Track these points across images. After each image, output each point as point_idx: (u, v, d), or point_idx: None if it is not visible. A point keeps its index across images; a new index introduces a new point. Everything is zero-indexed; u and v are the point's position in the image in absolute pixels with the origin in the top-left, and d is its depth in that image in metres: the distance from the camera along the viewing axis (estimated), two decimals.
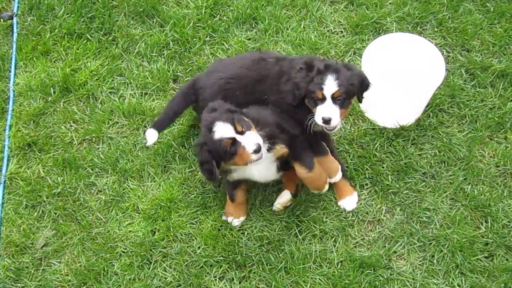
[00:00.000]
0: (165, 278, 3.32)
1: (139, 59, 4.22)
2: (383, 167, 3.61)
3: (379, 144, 3.70)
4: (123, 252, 3.44)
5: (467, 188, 3.55)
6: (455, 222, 3.42)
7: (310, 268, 3.30)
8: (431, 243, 3.37)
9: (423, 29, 4.23)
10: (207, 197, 3.61)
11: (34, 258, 3.48)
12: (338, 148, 3.70)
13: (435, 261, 3.32)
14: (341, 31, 4.27)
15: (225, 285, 3.30)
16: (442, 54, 3.72)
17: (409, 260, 3.34)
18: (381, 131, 3.75)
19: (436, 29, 4.22)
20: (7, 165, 3.82)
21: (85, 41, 4.32)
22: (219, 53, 4.18)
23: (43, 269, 3.45)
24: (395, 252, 3.36)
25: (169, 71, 4.10)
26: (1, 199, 3.69)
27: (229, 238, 3.42)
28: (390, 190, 3.54)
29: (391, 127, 3.75)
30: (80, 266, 3.42)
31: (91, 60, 4.22)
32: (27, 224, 3.59)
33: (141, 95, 4.02)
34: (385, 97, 3.66)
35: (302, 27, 4.28)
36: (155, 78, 4.07)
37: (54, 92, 4.07)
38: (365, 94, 3.32)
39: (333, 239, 3.41)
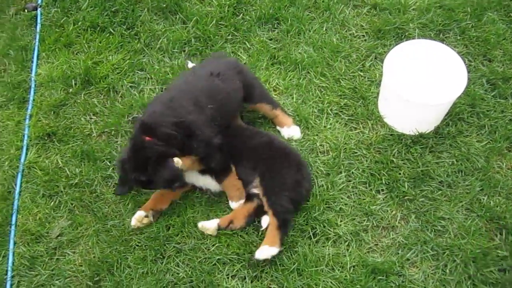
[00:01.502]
0: (178, 274, 3.34)
1: (161, 54, 4.24)
2: (399, 174, 3.60)
3: (397, 150, 3.70)
4: (137, 245, 3.46)
5: (483, 199, 3.53)
6: (469, 233, 3.40)
7: (322, 271, 3.30)
8: (444, 253, 3.35)
9: (445, 37, 4.21)
10: (223, 196, 3.62)
11: (49, 247, 3.51)
12: (355, 152, 3.70)
13: (447, 270, 3.30)
14: (363, 35, 4.26)
15: (237, 284, 3.30)
16: (464, 62, 3.69)
17: (422, 268, 3.33)
18: (399, 137, 3.75)
19: (458, 37, 4.20)
20: (26, 154, 3.85)
21: (107, 34, 4.35)
22: (241, 52, 4.20)
23: (57, 259, 3.48)
24: (408, 259, 3.35)
25: (189, 68, 4.12)
26: (18, 188, 3.72)
27: (243, 237, 3.43)
28: (406, 197, 3.53)
29: (409, 134, 3.74)
30: (94, 257, 3.45)
31: (113, 53, 4.25)
32: (43, 213, 3.63)
33: (161, 91, 4.03)
34: (404, 103, 3.65)
35: (324, 29, 4.28)
36: (176, 74, 4.08)
37: (75, 84, 4.10)
38: None
39: (347, 243, 3.41)
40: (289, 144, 3.71)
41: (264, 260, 3.30)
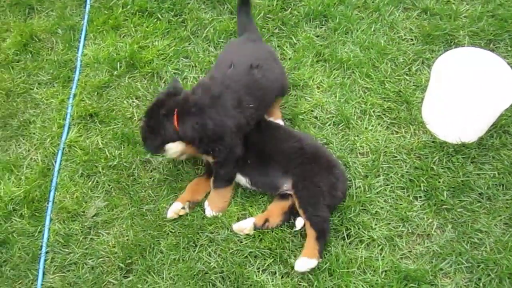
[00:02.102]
0: (209, 263, 3.34)
1: (206, 43, 4.25)
2: (439, 182, 3.55)
3: (438, 158, 3.64)
4: (171, 231, 3.48)
5: None
6: (506, 248, 3.33)
7: (354, 273, 3.28)
8: (479, 266, 3.29)
9: (496, 47, 4.13)
10: (254, 191, 3.62)
11: (84, 226, 3.55)
12: (395, 157, 3.67)
13: (481, 284, 3.24)
14: (412, 39, 4.21)
15: (267, 278, 3.29)
16: None
17: (455, 280, 3.27)
18: (441, 145, 3.69)
19: (509, 48, 4.12)
20: (68, 132, 3.90)
21: (155, 20, 4.37)
22: (286, 47, 4.18)
23: (91, 238, 3.52)
24: (441, 269, 3.30)
25: None
26: (58, 165, 3.77)
27: (276, 232, 3.42)
28: (444, 206, 3.48)
29: (451, 142, 3.69)
30: (127, 240, 3.47)
31: (159, 39, 4.27)
32: (80, 193, 3.67)
33: None
34: (449, 110, 3.59)
35: (372, 30, 4.24)
36: None
37: (120, 67, 4.13)
38: None
39: (380, 247, 3.37)
40: (319, 144, 3.67)
41: (303, 273, 3.28)
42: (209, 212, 3.51)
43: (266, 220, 3.42)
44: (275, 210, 3.46)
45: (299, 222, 3.39)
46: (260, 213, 3.49)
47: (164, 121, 3.30)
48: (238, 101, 3.34)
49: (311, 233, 3.30)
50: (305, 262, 3.24)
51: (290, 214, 3.45)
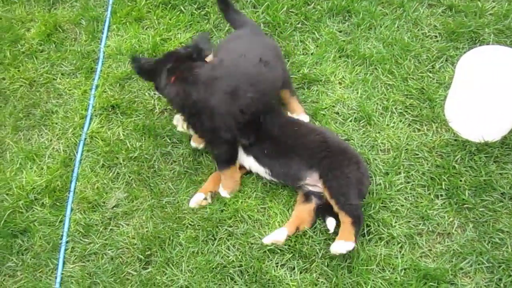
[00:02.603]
0: (228, 257, 3.35)
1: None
2: (461, 181, 3.51)
3: (460, 156, 3.61)
4: (190, 224, 3.49)
5: None
6: None
7: (373, 271, 3.26)
8: (500, 266, 3.25)
9: None
10: (274, 185, 3.61)
11: (104, 217, 3.58)
12: (417, 154, 3.64)
13: (502, 285, 3.20)
14: (436, 36, 4.17)
15: (285, 273, 3.29)
16: None
17: (475, 279, 3.24)
18: (464, 143, 3.66)
19: None
20: (89, 123, 3.92)
21: (178, 12, 4.38)
22: (309, 41, 4.17)
23: (111, 229, 3.54)
24: (461, 268, 3.27)
25: None
26: (79, 156, 3.80)
27: None
28: (465, 205, 3.45)
29: (474, 141, 3.65)
30: (147, 231, 3.49)
31: (182, 32, 4.29)
32: (101, 183, 3.69)
33: None
34: (473, 109, 3.56)
35: (396, 26, 4.21)
36: None
37: None
38: None
39: (400, 245, 3.35)
40: (342, 139, 3.67)
41: (340, 254, 3.27)
42: (223, 193, 3.56)
43: (297, 228, 3.40)
44: (303, 215, 3.44)
45: (331, 223, 3.36)
46: (288, 220, 3.47)
47: (163, 74, 3.43)
48: (233, 88, 3.38)
49: (346, 220, 3.28)
50: (342, 245, 3.23)
51: (316, 217, 3.44)
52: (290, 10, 4.30)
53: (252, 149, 3.57)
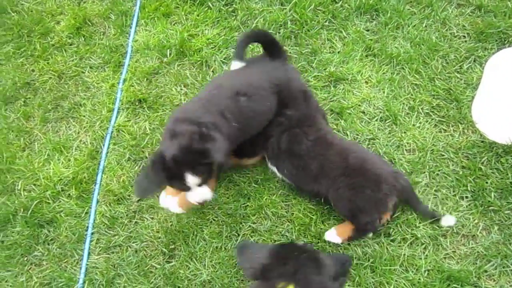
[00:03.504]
0: None
1: None
2: (487, 183, 3.49)
3: (487, 158, 3.58)
4: (214, 220, 3.52)
5: None
6: None
7: (396, 271, 3.26)
8: None
9: None
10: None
11: (129, 210, 3.61)
12: (442, 155, 3.62)
13: None
14: (464, 36, 4.13)
15: None
16: None
17: (499, 282, 3.22)
18: (490, 145, 3.62)
19: None
20: (116, 117, 3.96)
21: (206, 8, 4.39)
22: (336, 40, 4.15)
23: (135, 222, 3.58)
24: (485, 271, 3.25)
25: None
26: (106, 148, 3.83)
27: (320, 225, 3.42)
28: (491, 208, 3.42)
29: (501, 143, 3.61)
30: (171, 225, 3.52)
31: (209, 28, 4.30)
32: (127, 176, 3.73)
33: None
34: (500, 110, 3.53)
35: (424, 25, 4.17)
36: None
37: (169, 54, 4.17)
38: None
39: (424, 246, 3.34)
40: (369, 155, 3.49)
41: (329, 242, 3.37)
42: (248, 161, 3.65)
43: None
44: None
45: (449, 220, 3.39)
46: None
47: None
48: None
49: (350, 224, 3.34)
50: (333, 235, 3.35)
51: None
52: (318, 8, 4.29)
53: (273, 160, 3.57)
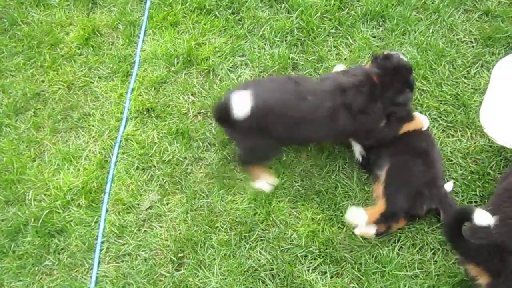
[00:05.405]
0: (259, 260, 3.38)
1: (262, 42, 4.26)
2: (495, 187, 3.47)
3: (495, 163, 3.57)
4: (222, 227, 3.53)
5: None
6: None
7: (405, 276, 3.26)
8: None
9: None
10: (309, 188, 3.62)
11: (138, 218, 3.64)
12: (450, 160, 3.61)
13: None
14: (471, 41, 4.12)
15: (316, 278, 3.31)
16: None
17: None
18: (499, 150, 3.61)
19: None
20: (125, 126, 3.99)
21: (213, 17, 4.42)
22: (342, 47, 4.16)
23: (144, 230, 3.60)
24: None
25: (289, 58, 4.12)
26: (115, 158, 3.86)
27: (328, 232, 3.42)
28: None
29: (510, 148, 3.60)
30: (179, 233, 3.54)
31: (216, 36, 4.32)
32: (135, 185, 3.75)
33: (259, 77, 4.07)
34: (508, 115, 3.52)
35: (430, 31, 4.17)
36: (275, 62, 4.10)
37: (177, 63, 4.20)
38: None
39: (433, 251, 3.34)
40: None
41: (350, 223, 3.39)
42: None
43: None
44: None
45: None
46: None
47: None
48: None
49: (380, 205, 3.36)
50: (362, 217, 3.35)
51: None
52: (324, 15, 4.30)
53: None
